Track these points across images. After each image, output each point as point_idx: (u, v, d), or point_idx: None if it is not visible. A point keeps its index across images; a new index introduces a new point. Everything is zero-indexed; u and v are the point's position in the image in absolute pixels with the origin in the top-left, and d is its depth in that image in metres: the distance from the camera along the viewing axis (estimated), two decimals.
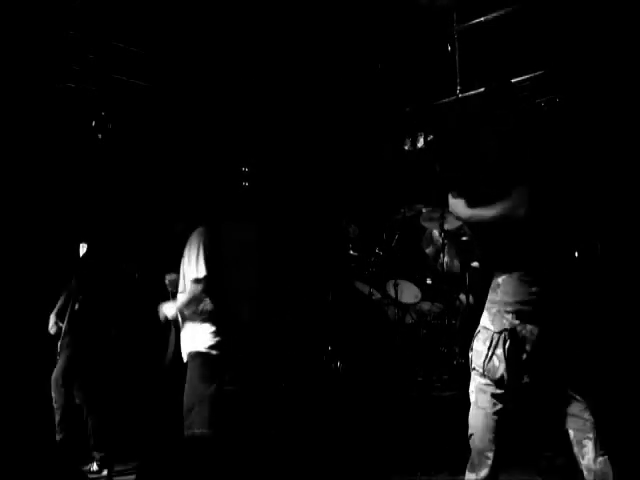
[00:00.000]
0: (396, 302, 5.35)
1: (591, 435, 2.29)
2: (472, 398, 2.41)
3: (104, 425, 3.97)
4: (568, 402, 2.34)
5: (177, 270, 3.79)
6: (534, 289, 2.34)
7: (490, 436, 2.32)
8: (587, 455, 2.28)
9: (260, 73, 5.48)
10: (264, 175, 6.33)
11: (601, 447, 2.28)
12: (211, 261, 3.47)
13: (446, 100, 5.61)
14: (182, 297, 3.54)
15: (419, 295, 5.67)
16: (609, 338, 4.24)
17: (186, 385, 3.51)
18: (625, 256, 4.70)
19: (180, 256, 3.63)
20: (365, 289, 5.67)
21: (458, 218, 2.64)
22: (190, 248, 3.61)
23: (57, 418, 3.86)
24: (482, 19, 4.97)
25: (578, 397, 2.34)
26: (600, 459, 2.26)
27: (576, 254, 4.66)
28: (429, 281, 5.86)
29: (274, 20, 4.93)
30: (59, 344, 3.90)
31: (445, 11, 5.00)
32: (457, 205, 2.56)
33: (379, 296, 5.73)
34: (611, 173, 4.83)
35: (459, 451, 2.55)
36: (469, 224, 2.87)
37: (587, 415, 2.31)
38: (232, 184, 6.16)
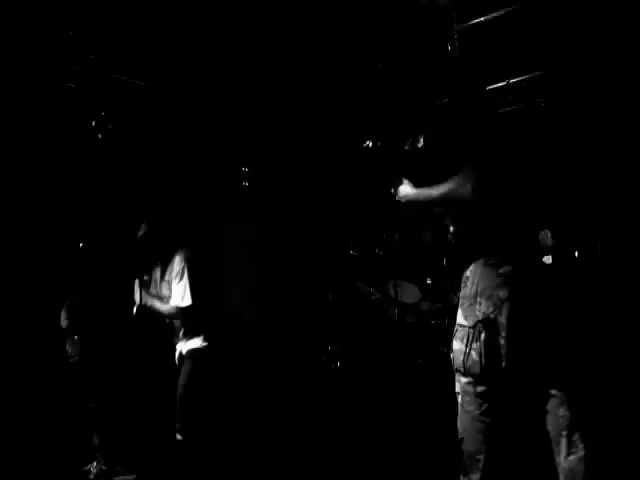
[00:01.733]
0: (396, 302, 5.35)
1: (564, 432, 2.15)
2: (459, 400, 2.33)
3: (108, 425, 3.98)
4: (546, 399, 2.21)
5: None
6: (502, 270, 2.25)
7: (479, 438, 2.23)
8: (560, 453, 2.15)
9: (260, 73, 5.48)
10: (264, 175, 6.33)
11: (573, 445, 2.13)
12: (195, 287, 3.54)
13: (446, 100, 5.60)
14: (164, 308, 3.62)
15: (419, 295, 5.67)
16: (609, 338, 4.24)
17: (180, 383, 3.52)
18: (625, 256, 4.70)
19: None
20: (365, 289, 5.67)
21: (406, 202, 2.62)
22: (172, 271, 3.66)
23: (65, 417, 3.87)
24: (482, 19, 4.97)
25: (554, 392, 2.19)
26: (571, 457, 2.13)
27: (576, 254, 4.66)
28: (429, 281, 5.86)
29: (274, 20, 4.93)
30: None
31: (445, 11, 4.99)
32: (404, 189, 2.60)
33: (379, 296, 5.73)
34: (611, 173, 4.83)
35: (459, 451, 2.53)
36: (417, 205, 2.79)
37: (562, 411, 2.17)
38: (232, 184, 6.16)
